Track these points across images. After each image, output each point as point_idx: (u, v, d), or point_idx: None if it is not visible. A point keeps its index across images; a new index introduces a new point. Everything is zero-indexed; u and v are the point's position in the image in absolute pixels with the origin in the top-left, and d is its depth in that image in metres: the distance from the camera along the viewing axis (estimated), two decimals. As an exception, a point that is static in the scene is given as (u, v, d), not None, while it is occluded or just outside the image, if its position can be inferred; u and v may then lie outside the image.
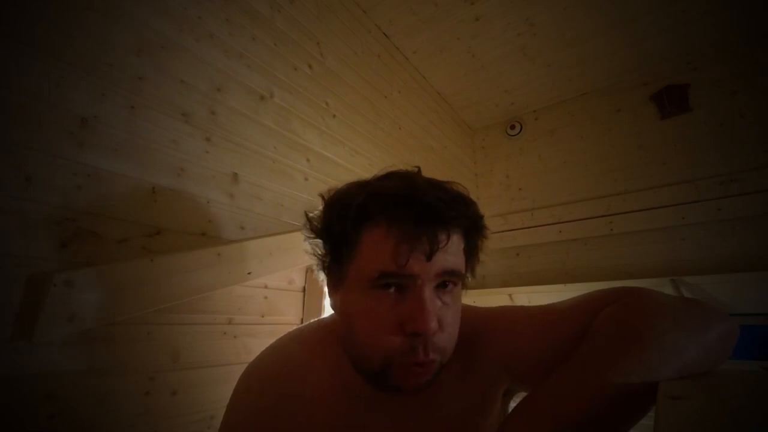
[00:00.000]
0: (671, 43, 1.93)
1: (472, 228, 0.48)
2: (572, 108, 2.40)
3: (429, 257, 0.42)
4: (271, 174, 1.14)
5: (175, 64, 0.93)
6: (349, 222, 0.45)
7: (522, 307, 0.57)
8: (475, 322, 0.55)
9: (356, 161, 1.50)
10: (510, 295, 1.95)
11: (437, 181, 0.48)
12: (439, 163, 2.15)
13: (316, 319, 0.64)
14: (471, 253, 0.50)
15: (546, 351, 0.48)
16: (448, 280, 0.45)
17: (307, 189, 1.25)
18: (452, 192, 0.47)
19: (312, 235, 0.51)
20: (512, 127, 2.58)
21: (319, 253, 0.51)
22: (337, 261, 0.48)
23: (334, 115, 1.43)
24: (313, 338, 0.57)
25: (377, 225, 0.44)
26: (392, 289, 0.43)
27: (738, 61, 1.94)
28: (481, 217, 0.49)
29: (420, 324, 0.41)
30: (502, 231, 2.43)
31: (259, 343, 1.02)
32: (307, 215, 0.52)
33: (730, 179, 1.83)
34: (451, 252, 0.44)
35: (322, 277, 0.53)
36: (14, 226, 0.64)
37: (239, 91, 1.08)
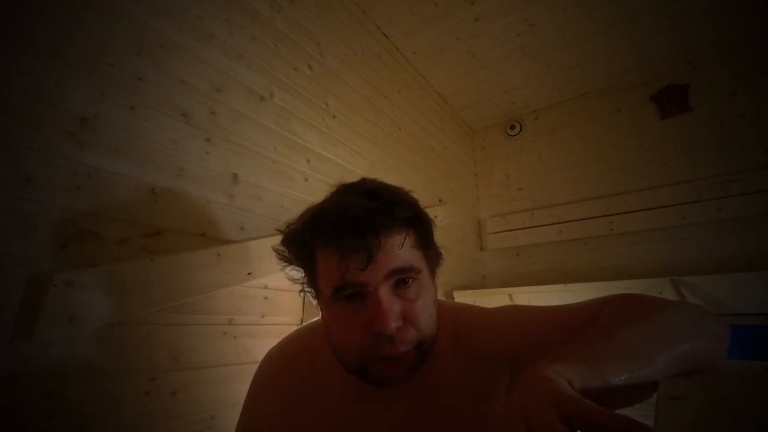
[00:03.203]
0: (671, 43, 1.93)
1: (412, 223, 0.51)
2: (572, 108, 2.40)
3: (365, 265, 0.46)
4: (271, 174, 1.14)
5: (175, 64, 0.93)
6: (301, 253, 0.53)
7: (527, 306, 0.58)
8: (479, 319, 0.57)
9: (356, 162, 1.50)
10: (510, 295, 1.95)
11: (373, 189, 0.52)
12: (439, 163, 2.15)
13: None
14: (424, 243, 0.53)
15: (552, 343, 0.48)
16: (403, 277, 0.48)
17: (308, 190, 1.25)
18: (385, 196, 0.50)
19: (285, 264, 0.58)
20: (512, 127, 2.58)
21: (297, 277, 0.57)
22: (311, 282, 0.55)
23: (334, 116, 1.44)
24: (322, 332, 0.62)
25: (321, 248, 0.50)
26: (352, 299, 0.48)
27: (738, 61, 1.94)
28: (417, 212, 0.52)
29: (379, 324, 0.45)
30: (502, 231, 2.44)
31: (259, 343, 1.02)
32: (274, 249, 0.59)
33: (730, 179, 1.83)
34: (394, 253, 0.48)
35: (310, 296, 0.58)
36: (14, 226, 0.64)
37: (239, 91, 1.09)
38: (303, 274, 0.56)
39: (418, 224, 0.52)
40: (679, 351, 0.38)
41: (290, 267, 0.58)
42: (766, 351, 1.56)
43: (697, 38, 1.91)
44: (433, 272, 0.55)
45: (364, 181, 0.55)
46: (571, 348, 0.37)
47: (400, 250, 0.48)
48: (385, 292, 0.47)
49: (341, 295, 0.48)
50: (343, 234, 0.47)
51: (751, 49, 1.91)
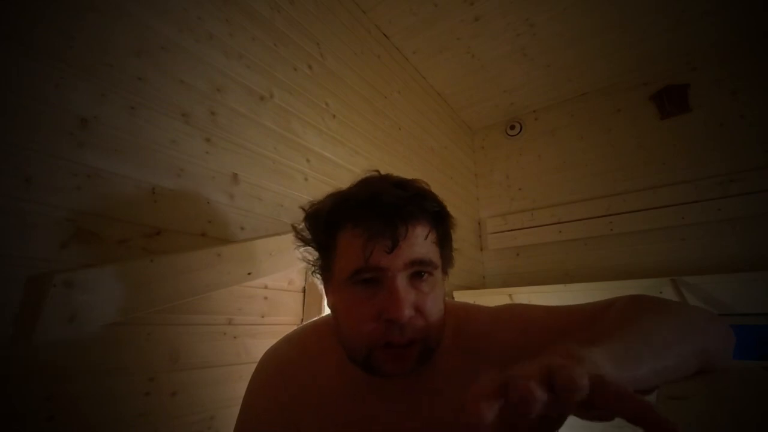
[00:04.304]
0: (671, 43, 1.93)
1: (436, 219, 0.52)
2: (572, 108, 2.40)
3: (391, 250, 0.46)
4: (271, 174, 1.14)
5: (175, 65, 0.93)
6: (323, 232, 0.53)
7: (530, 304, 0.58)
8: (480, 317, 0.57)
9: (356, 161, 1.50)
10: (510, 295, 1.95)
11: (401, 180, 0.53)
12: (439, 163, 2.15)
13: (327, 314, 0.67)
14: (443, 242, 0.54)
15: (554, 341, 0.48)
16: (421, 269, 0.49)
17: (307, 189, 1.25)
18: (413, 189, 0.52)
19: (301, 244, 0.57)
20: (512, 127, 2.59)
21: (311, 259, 0.57)
22: (324, 264, 0.55)
23: (334, 116, 1.44)
24: (324, 331, 0.62)
25: (347, 229, 0.50)
26: (368, 283, 0.48)
27: (738, 61, 1.94)
28: (443, 207, 0.53)
29: (393, 311, 0.45)
30: (502, 231, 2.44)
31: (259, 343, 1.02)
32: (294, 227, 0.59)
33: (730, 179, 1.83)
34: (418, 244, 0.48)
35: (318, 280, 0.58)
36: (14, 226, 0.64)
37: (239, 91, 1.09)
38: (317, 256, 0.56)
39: (442, 221, 0.53)
40: (701, 347, 0.38)
41: (304, 248, 0.57)
42: (766, 351, 1.56)
43: (697, 38, 1.91)
44: (445, 272, 0.55)
45: (388, 175, 0.56)
46: (599, 338, 0.34)
47: (424, 241, 0.49)
48: (402, 281, 0.47)
49: (359, 278, 0.48)
50: (372, 217, 0.47)
51: (751, 49, 1.91)
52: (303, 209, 0.58)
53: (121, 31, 0.84)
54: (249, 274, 0.96)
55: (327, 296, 0.56)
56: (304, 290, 1.21)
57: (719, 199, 1.83)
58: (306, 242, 0.57)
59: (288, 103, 1.24)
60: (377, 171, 0.57)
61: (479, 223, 2.55)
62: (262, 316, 1.06)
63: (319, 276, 0.57)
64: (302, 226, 0.57)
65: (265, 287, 1.08)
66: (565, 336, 0.46)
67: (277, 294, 1.11)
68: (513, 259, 2.38)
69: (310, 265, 0.57)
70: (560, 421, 0.31)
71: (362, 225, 0.48)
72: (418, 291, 0.49)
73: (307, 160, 1.28)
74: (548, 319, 0.52)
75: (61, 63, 0.73)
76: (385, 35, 1.87)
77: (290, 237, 1.07)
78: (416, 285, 0.49)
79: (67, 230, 0.70)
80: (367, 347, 0.48)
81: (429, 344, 0.49)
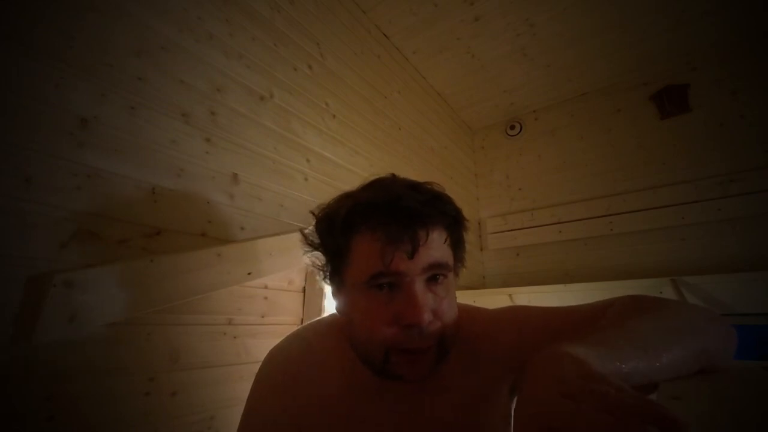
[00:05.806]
0: (671, 43, 1.93)
1: (452, 222, 0.52)
2: (572, 108, 2.40)
3: (411, 255, 0.46)
4: (271, 174, 1.14)
5: (175, 65, 0.93)
6: (337, 236, 0.51)
7: (531, 306, 0.58)
8: (481, 318, 0.57)
9: (356, 161, 1.50)
10: (510, 295, 1.95)
11: (415, 183, 0.52)
12: (439, 163, 2.15)
13: (331, 314, 0.66)
14: (456, 245, 0.53)
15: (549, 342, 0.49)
16: (437, 273, 0.49)
17: (307, 189, 1.25)
18: (429, 192, 0.51)
19: (310, 249, 0.56)
20: (512, 128, 2.59)
21: (319, 264, 0.56)
22: (335, 269, 0.53)
23: (334, 116, 1.44)
24: (329, 333, 0.61)
25: (363, 233, 0.49)
26: (385, 288, 0.47)
27: (738, 61, 1.94)
28: (459, 211, 0.53)
29: (412, 316, 0.45)
30: (502, 231, 2.43)
31: (259, 343, 1.02)
32: (302, 232, 0.58)
33: (730, 179, 1.83)
34: (435, 247, 0.48)
35: (326, 286, 0.57)
36: (14, 226, 0.64)
37: (239, 91, 1.09)
38: (326, 261, 0.55)
39: (456, 224, 0.53)
40: (701, 347, 0.38)
41: (312, 253, 0.56)
42: (766, 351, 1.56)
43: (697, 38, 1.91)
44: (456, 274, 0.55)
45: (396, 177, 0.55)
46: (590, 335, 0.36)
47: (442, 244, 0.49)
48: (419, 285, 0.47)
49: (375, 283, 0.47)
50: (391, 221, 0.46)
51: (751, 49, 1.91)
52: (312, 213, 0.56)
53: (121, 31, 0.84)
54: (249, 274, 0.96)
55: (338, 301, 0.56)
56: (304, 290, 1.21)
57: (719, 199, 1.83)
58: (315, 247, 0.56)
59: (288, 103, 1.24)
60: (392, 174, 0.56)
61: (479, 223, 2.55)
62: (262, 316, 1.06)
63: (328, 282, 0.56)
64: (309, 230, 0.56)
65: (265, 287, 1.08)
66: (560, 336, 0.46)
67: (277, 294, 1.11)
68: (513, 259, 2.38)
69: (319, 271, 0.56)
70: None
71: (381, 229, 0.47)
72: (435, 294, 0.48)
73: (307, 160, 1.28)
74: (543, 320, 0.52)
75: (61, 63, 0.73)
76: (385, 35, 1.86)
77: (290, 237, 1.08)
78: (432, 288, 0.49)
79: (67, 230, 0.70)
80: (384, 352, 0.47)
81: (445, 347, 0.49)
